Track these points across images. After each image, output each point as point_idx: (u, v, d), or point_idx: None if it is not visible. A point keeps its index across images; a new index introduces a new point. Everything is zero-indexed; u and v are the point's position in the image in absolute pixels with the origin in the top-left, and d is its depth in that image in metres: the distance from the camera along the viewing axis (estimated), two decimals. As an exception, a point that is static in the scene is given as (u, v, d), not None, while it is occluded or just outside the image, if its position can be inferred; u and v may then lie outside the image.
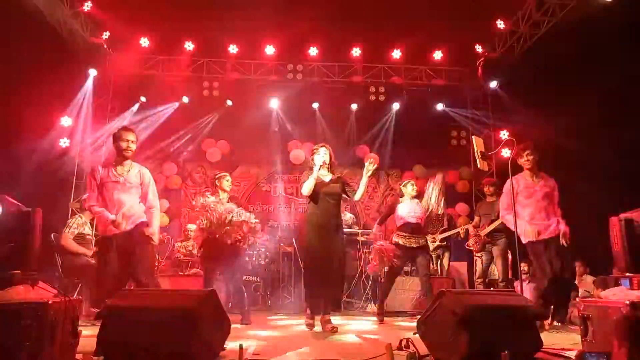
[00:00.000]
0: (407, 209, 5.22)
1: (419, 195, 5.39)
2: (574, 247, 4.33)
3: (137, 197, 4.00)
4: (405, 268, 6.34)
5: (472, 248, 6.33)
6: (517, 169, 4.57)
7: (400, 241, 5.13)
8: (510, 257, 6.12)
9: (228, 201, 4.87)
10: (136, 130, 4.33)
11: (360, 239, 6.97)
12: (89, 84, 8.22)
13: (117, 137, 3.95)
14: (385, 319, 5.16)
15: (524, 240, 4.40)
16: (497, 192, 6.07)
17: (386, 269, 5.18)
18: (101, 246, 4.00)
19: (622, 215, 2.90)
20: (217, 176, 5.06)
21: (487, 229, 5.97)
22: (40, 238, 2.43)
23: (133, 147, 3.96)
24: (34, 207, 2.41)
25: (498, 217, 5.63)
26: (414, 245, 5.11)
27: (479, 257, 6.40)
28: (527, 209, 4.43)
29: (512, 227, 4.36)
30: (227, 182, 4.96)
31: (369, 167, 4.24)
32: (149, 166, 4.53)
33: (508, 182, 4.46)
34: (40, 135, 7.59)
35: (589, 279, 6.47)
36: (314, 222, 4.25)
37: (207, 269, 4.87)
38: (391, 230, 5.59)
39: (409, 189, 5.29)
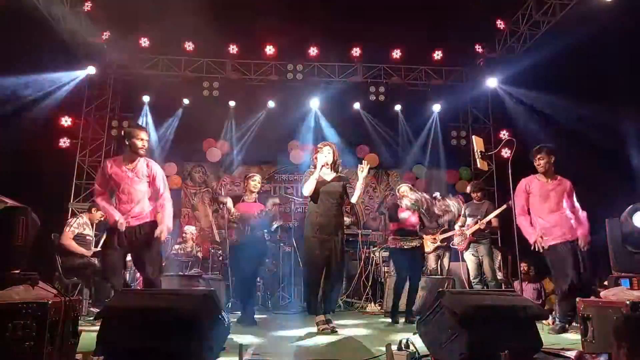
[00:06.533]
0: (403, 216, 5.09)
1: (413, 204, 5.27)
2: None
3: (146, 191, 3.92)
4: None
5: (456, 247, 6.32)
6: (518, 169, 4.50)
7: (396, 245, 5.04)
8: (499, 257, 6.24)
9: (254, 201, 5.02)
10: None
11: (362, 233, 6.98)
12: (82, 80, 8.18)
13: (132, 135, 3.90)
14: (384, 319, 5.15)
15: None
16: (484, 195, 6.31)
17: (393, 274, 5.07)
18: (107, 238, 3.90)
19: (624, 215, 2.95)
20: (246, 177, 5.19)
21: (472, 229, 5.94)
22: (36, 237, 2.42)
23: (146, 145, 3.95)
24: (32, 207, 2.40)
25: (484, 218, 5.68)
26: (410, 245, 5.02)
27: (467, 256, 6.37)
28: (542, 212, 4.31)
29: (524, 231, 4.28)
30: (252, 183, 5.04)
31: (363, 169, 4.26)
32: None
33: (521, 182, 4.43)
34: (41, 135, 7.58)
35: None
36: (313, 221, 4.19)
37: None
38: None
39: (405, 200, 5.09)
